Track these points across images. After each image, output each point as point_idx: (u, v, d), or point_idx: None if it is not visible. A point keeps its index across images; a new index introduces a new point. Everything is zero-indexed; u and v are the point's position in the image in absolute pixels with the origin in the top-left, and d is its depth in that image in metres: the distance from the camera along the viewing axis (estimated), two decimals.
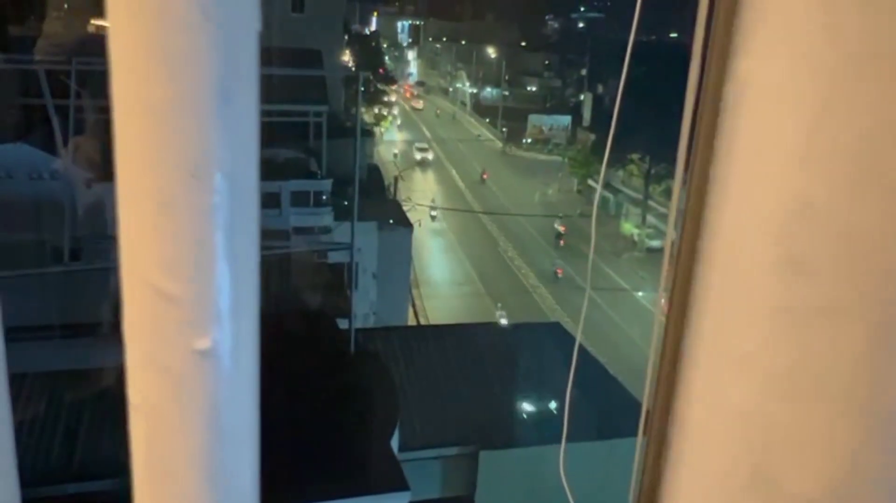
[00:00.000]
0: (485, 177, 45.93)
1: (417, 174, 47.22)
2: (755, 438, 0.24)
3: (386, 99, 48.47)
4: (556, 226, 37.37)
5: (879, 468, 0.23)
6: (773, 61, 0.23)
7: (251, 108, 0.41)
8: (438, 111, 71.37)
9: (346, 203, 14.67)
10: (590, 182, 40.39)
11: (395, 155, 49.88)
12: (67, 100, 10.73)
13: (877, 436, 0.23)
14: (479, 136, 58.95)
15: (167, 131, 0.39)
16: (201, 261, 0.41)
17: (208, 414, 0.44)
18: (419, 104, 67.76)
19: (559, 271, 31.47)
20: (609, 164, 34.95)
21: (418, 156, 49.77)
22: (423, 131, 56.73)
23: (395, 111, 62.94)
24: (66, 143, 11.26)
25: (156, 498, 0.45)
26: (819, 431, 0.23)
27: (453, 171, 48.03)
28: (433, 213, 37.16)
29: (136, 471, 0.45)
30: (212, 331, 0.42)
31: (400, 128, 58.42)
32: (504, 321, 26.67)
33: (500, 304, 27.74)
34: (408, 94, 67.23)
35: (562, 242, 35.17)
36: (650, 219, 34.49)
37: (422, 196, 38.84)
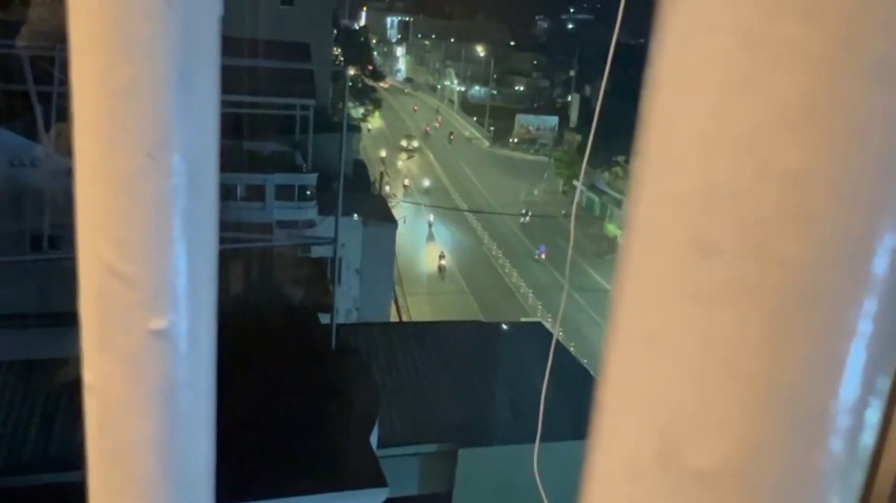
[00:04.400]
0: None
1: None
2: (660, 417, 0.25)
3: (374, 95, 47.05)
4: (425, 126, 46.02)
5: (774, 444, 0.24)
6: (681, 51, 0.25)
7: (212, 94, 0.42)
8: (407, 91, 71.40)
9: (330, 197, 14.66)
10: (575, 183, 40.57)
11: None
12: (51, 87, 10.64)
13: (773, 415, 0.24)
14: (464, 134, 58.98)
15: (125, 114, 0.40)
16: (157, 242, 0.41)
17: (163, 395, 0.44)
18: (386, 85, 68.60)
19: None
20: (595, 166, 35.17)
21: None
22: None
23: (415, 144, 50.51)
24: (48, 129, 11.15)
25: (109, 479, 0.46)
26: (720, 410, 0.24)
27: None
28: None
29: (90, 452, 0.45)
30: (167, 313, 0.42)
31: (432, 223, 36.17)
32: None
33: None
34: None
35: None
36: None
37: None
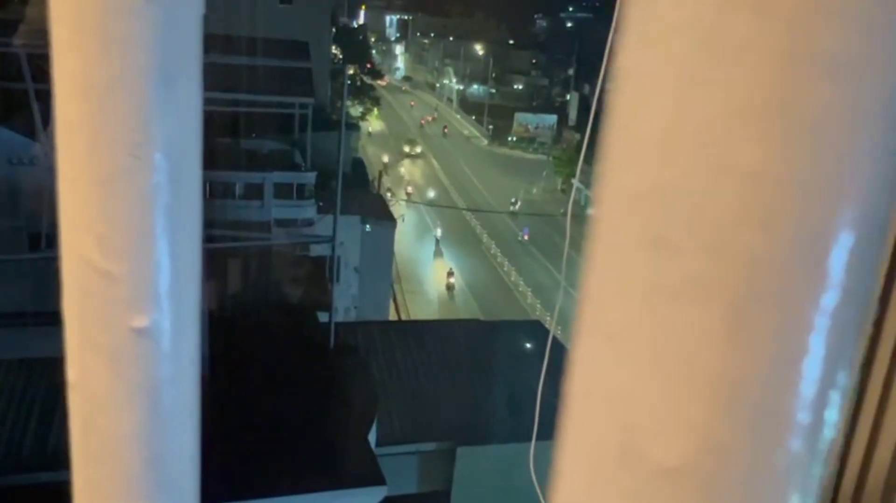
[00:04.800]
0: None
1: None
2: (622, 414, 0.25)
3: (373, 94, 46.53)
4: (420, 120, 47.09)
5: (735, 440, 0.24)
6: (639, 50, 0.25)
7: (194, 91, 0.42)
8: (405, 88, 71.32)
9: (329, 195, 14.63)
10: (573, 181, 40.59)
11: None
12: (48, 85, 10.60)
13: (733, 410, 0.25)
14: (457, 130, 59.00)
15: (107, 112, 0.40)
16: (140, 240, 0.41)
17: (147, 393, 0.44)
18: (384, 83, 66.69)
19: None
20: (593, 164, 35.22)
21: None
22: None
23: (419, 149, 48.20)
24: (46, 127, 11.14)
25: (94, 477, 0.46)
26: (680, 407, 0.24)
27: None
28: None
29: (75, 450, 0.45)
30: (150, 310, 0.42)
31: None
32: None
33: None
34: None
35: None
36: None
37: None
